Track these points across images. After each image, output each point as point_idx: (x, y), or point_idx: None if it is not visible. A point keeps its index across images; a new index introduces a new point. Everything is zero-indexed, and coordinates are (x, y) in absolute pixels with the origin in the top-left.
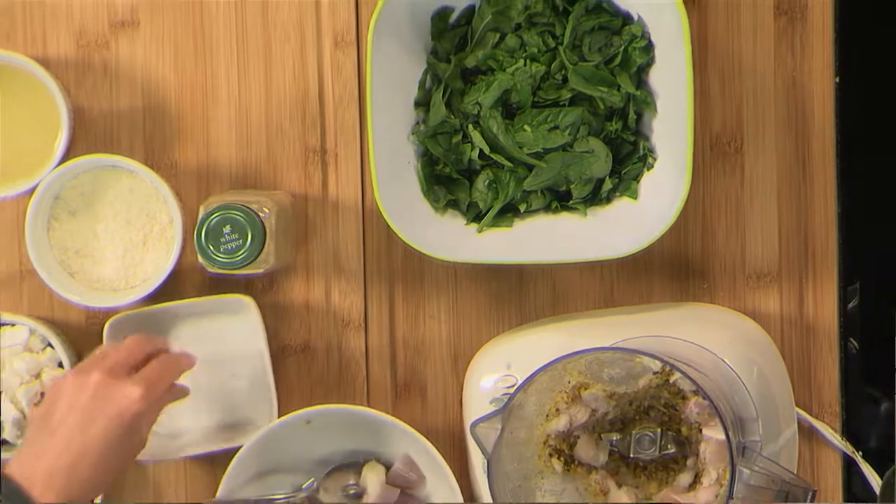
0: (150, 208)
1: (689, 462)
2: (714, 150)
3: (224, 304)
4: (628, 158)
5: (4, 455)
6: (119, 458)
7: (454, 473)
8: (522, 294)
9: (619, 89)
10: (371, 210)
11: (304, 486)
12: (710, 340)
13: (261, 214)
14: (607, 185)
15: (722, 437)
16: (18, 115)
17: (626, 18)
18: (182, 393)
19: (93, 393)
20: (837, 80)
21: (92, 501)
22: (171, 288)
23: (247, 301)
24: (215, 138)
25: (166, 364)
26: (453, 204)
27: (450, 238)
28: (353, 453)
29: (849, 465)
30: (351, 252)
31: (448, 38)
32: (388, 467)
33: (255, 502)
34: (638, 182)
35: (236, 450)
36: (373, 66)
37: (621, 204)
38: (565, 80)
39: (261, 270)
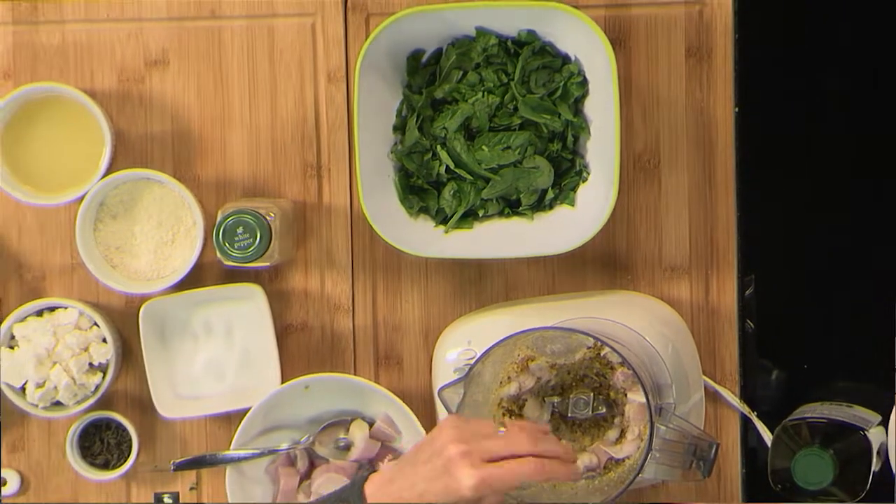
0: (178, 213)
1: (617, 421)
2: (636, 166)
3: (237, 291)
4: (567, 173)
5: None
6: None
7: (425, 429)
8: (481, 284)
9: (559, 117)
10: (357, 215)
11: (301, 440)
12: (634, 321)
13: (268, 218)
14: (550, 194)
15: (643, 400)
16: (70, 137)
17: (566, 59)
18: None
19: (440, 461)
20: (737, 109)
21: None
22: (194, 278)
23: (256, 289)
24: (230, 155)
25: (527, 469)
26: (425, 210)
27: (422, 238)
28: (343, 413)
29: (746, 423)
30: (341, 249)
31: (420, 74)
32: (371, 424)
33: (263, 453)
34: (575, 192)
35: (247, 410)
36: (359, 97)
37: (561, 210)
38: (516, 109)
39: (267, 264)
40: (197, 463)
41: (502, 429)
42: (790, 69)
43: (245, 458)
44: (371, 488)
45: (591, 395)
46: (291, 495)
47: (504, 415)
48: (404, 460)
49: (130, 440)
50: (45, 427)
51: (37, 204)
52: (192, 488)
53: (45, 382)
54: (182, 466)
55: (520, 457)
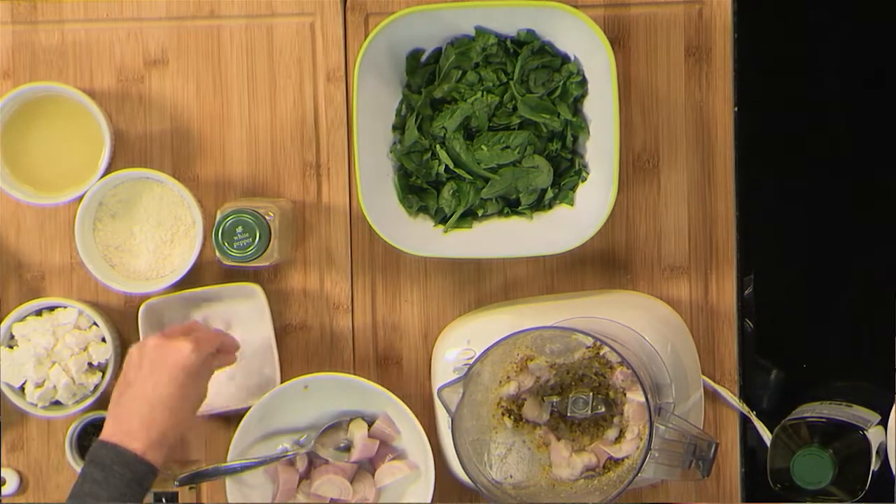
0: (177, 212)
1: (616, 420)
2: (636, 166)
3: (237, 290)
4: (566, 173)
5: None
6: (186, 405)
7: (424, 429)
8: (480, 283)
9: (559, 116)
10: (357, 214)
11: (301, 441)
12: (633, 321)
13: (267, 217)
14: (549, 194)
15: (642, 399)
16: (69, 137)
17: (565, 59)
18: (229, 360)
19: (152, 353)
20: (736, 109)
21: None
22: (193, 277)
23: (255, 288)
24: (230, 155)
25: (211, 332)
26: (424, 209)
27: (421, 237)
28: (342, 413)
29: (745, 422)
30: (340, 248)
31: (419, 74)
32: (370, 424)
33: (265, 461)
34: (574, 192)
35: (247, 409)
36: (358, 96)
37: (560, 210)
38: (515, 108)
39: (267, 263)
40: (201, 476)
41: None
42: (790, 69)
43: (248, 468)
44: (112, 431)
45: (591, 394)
46: (291, 495)
47: (503, 414)
48: (117, 393)
49: None
50: (44, 426)
51: (36, 203)
52: (191, 488)
53: (44, 382)
54: (186, 481)
55: None
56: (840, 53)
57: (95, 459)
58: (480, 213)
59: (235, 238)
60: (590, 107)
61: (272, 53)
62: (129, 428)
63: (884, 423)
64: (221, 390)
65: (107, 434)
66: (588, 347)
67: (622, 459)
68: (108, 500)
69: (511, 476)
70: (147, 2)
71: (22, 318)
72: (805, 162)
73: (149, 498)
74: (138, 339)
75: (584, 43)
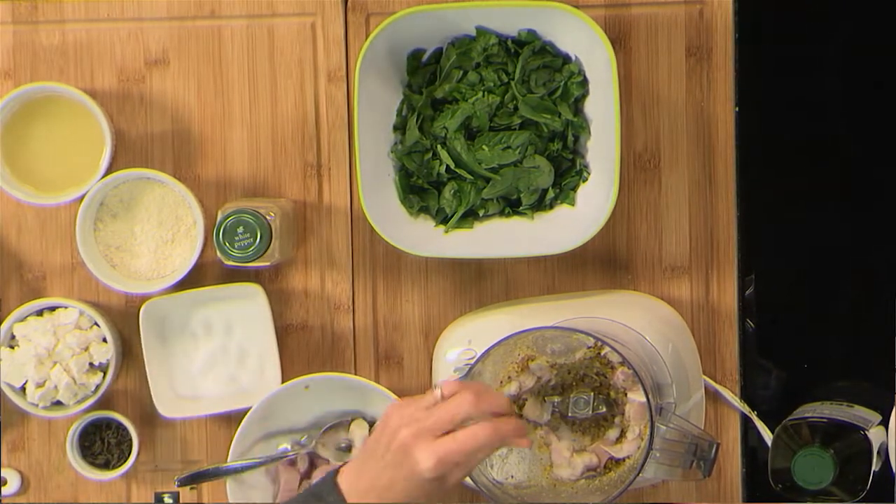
0: (178, 212)
1: (617, 420)
2: (637, 166)
3: (238, 291)
4: (567, 173)
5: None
6: (423, 496)
7: None
8: (481, 283)
9: (560, 116)
10: (358, 214)
11: (302, 441)
12: (634, 321)
13: (268, 218)
14: (550, 194)
15: (643, 399)
16: (70, 137)
17: (566, 59)
18: (517, 444)
19: (396, 448)
20: (737, 109)
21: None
22: (194, 277)
23: (256, 288)
24: (231, 155)
25: (480, 435)
26: (425, 209)
27: (422, 237)
28: (343, 413)
29: (746, 423)
30: (341, 248)
31: (420, 74)
32: (371, 424)
33: (265, 461)
34: (575, 192)
35: (247, 409)
36: (359, 96)
37: (562, 210)
38: (516, 108)
39: (268, 263)
40: (201, 477)
41: (437, 390)
42: (790, 69)
43: (249, 468)
44: (345, 483)
45: (592, 394)
46: (292, 495)
47: None
48: (366, 453)
49: (130, 440)
50: (45, 427)
51: (37, 203)
52: (192, 488)
53: (45, 382)
54: (186, 482)
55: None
56: (840, 53)
57: (320, 494)
58: (481, 213)
59: (236, 238)
60: (591, 107)
61: (273, 53)
62: (359, 488)
63: (885, 423)
64: (222, 390)
65: (342, 478)
66: (589, 347)
67: (623, 459)
68: None
69: (512, 476)
70: (148, 2)
71: (23, 319)
72: (805, 162)
73: (149, 498)
74: (139, 339)
75: (585, 43)
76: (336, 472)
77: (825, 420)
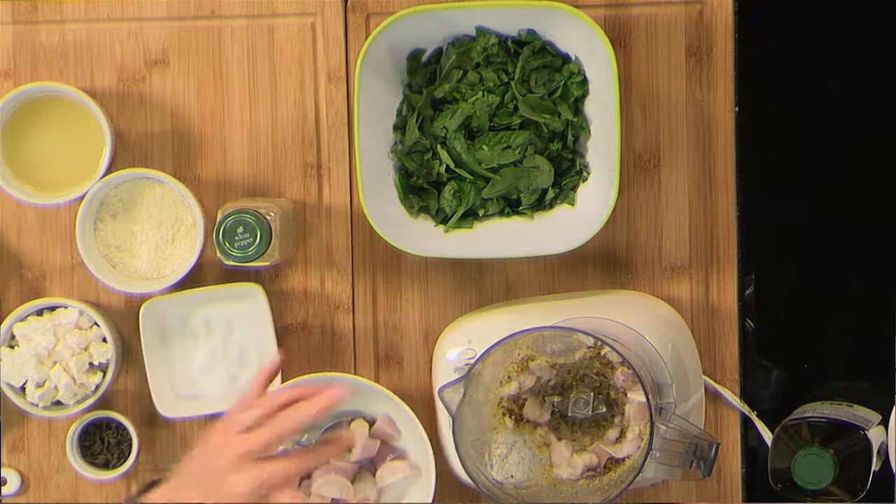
0: (178, 212)
1: (617, 420)
2: (637, 166)
3: (237, 290)
4: (567, 173)
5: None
6: None
7: (425, 429)
8: (481, 283)
9: (559, 116)
10: (357, 214)
11: (302, 441)
12: (634, 321)
13: (268, 218)
14: (550, 194)
15: (643, 399)
16: (70, 137)
17: (566, 59)
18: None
19: (214, 471)
20: (737, 109)
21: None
22: (194, 277)
23: (256, 288)
24: (231, 155)
25: (295, 462)
26: (425, 209)
27: (422, 237)
28: (343, 413)
29: (746, 423)
30: (341, 248)
31: (420, 74)
32: (371, 424)
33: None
34: (575, 192)
35: None
36: (359, 97)
37: (561, 210)
38: (516, 108)
39: (267, 263)
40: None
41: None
42: (790, 69)
43: None
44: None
45: (592, 394)
46: None
47: (504, 414)
48: (176, 478)
49: (130, 440)
50: (45, 427)
51: (37, 203)
52: None
53: (45, 382)
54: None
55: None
56: (840, 53)
57: None
58: (481, 213)
59: (236, 238)
60: (591, 107)
61: (273, 53)
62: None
63: (884, 422)
64: (222, 390)
65: (156, 495)
66: (589, 347)
67: (623, 459)
68: None
69: (512, 476)
70: (148, 2)
71: (23, 318)
72: (805, 162)
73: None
74: (139, 339)
75: (584, 43)
76: (143, 490)
77: (825, 420)
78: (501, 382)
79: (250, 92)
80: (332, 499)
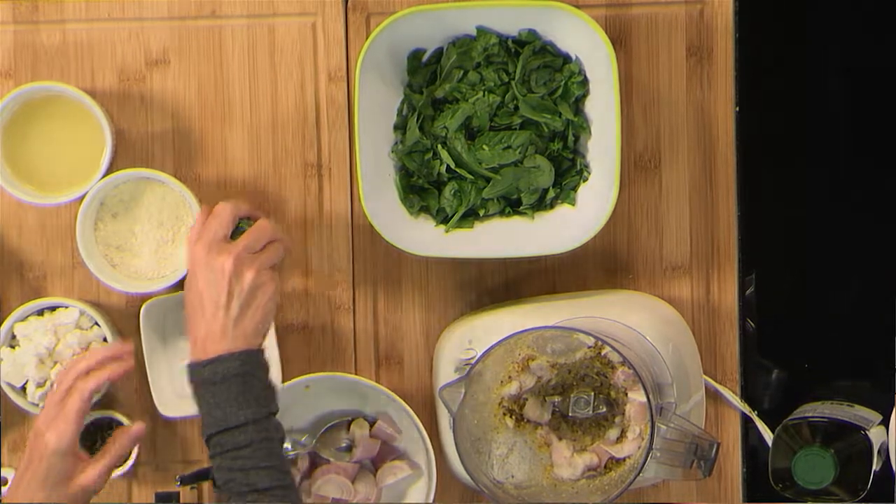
0: (178, 212)
1: (617, 420)
2: (637, 165)
3: None
4: (568, 172)
5: None
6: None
7: (425, 429)
8: (481, 283)
9: (560, 116)
10: (358, 214)
11: (302, 441)
12: (634, 321)
13: None
14: (551, 194)
15: (643, 399)
16: (71, 136)
17: (566, 59)
18: (283, 253)
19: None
20: (737, 108)
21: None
22: None
23: None
24: (231, 155)
25: (255, 234)
26: (425, 209)
27: (422, 237)
28: (344, 413)
29: (746, 422)
30: (342, 248)
31: (421, 74)
32: (371, 424)
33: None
34: (576, 192)
35: None
36: (360, 96)
37: (562, 209)
38: (516, 108)
39: None
40: (202, 476)
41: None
42: (790, 69)
43: None
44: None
45: (592, 394)
46: None
47: (505, 414)
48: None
49: None
50: None
51: (38, 203)
52: (192, 488)
53: (45, 382)
54: (187, 481)
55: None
56: (840, 53)
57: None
58: (482, 212)
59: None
60: (591, 107)
61: (273, 53)
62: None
63: (885, 422)
64: None
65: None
66: (589, 347)
67: (624, 459)
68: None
69: (512, 476)
70: (148, 1)
71: (23, 318)
72: (805, 162)
73: (150, 498)
74: (139, 339)
75: (585, 43)
76: None
77: (825, 420)
78: (502, 382)
79: (251, 92)
80: (333, 499)
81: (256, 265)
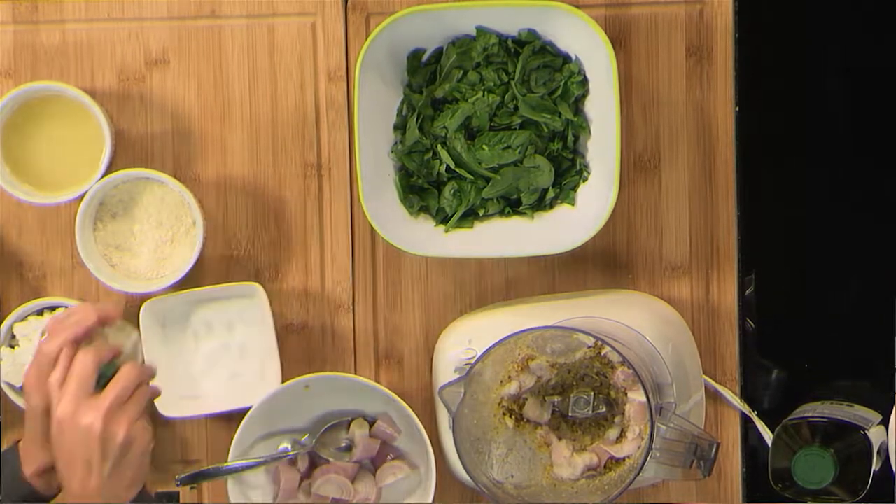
0: (178, 212)
1: (617, 420)
2: (637, 165)
3: (238, 290)
4: (567, 172)
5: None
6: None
7: (425, 429)
8: (481, 283)
9: (560, 116)
10: (358, 214)
11: (302, 441)
12: (634, 320)
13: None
14: (550, 193)
15: (643, 399)
16: (70, 136)
17: (566, 58)
18: (153, 394)
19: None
20: (737, 108)
21: None
22: (194, 277)
23: (256, 288)
24: (231, 155)
25: (123, 383)
26: (425, 209)
27: (422, 237)
28: (343, 413)
29: (746, 422)
30: (341, 248)
31: (421, 73)
32: (371, 424)
33: (266, 461)
34: (575, 191)
35: (248, 409)
36: (359, 96)
37: (562, 209)
38: (516, 108)
39: None
40: (202, 476)
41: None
42: (790, 69)
43: (249, 468)
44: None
45: (592, 394)
46: (292, 495)
47: (505, 414)
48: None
49: None
50: None
51: (37, 203)
52: (192, 488)
53: None
54: (187, 481)
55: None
56: (840, 53)
57: None
58: (481, 212)
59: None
60: (591, 106)
61: (273, 53)
62: None
63: (885, 422)
64: (222, 390)
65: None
66: (589, 347)
67: (623, 459)
68: None
69: (512, 476)
70: (148, 1)
71: (23, 318)
72: (805, 162)
73: (149, 498)
74: (139, 339)
75: (585, 43)
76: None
77: (825, 420)
78: (502, 382)
79: (250, 92)
80: (332, 499)
81: (125, 420)
